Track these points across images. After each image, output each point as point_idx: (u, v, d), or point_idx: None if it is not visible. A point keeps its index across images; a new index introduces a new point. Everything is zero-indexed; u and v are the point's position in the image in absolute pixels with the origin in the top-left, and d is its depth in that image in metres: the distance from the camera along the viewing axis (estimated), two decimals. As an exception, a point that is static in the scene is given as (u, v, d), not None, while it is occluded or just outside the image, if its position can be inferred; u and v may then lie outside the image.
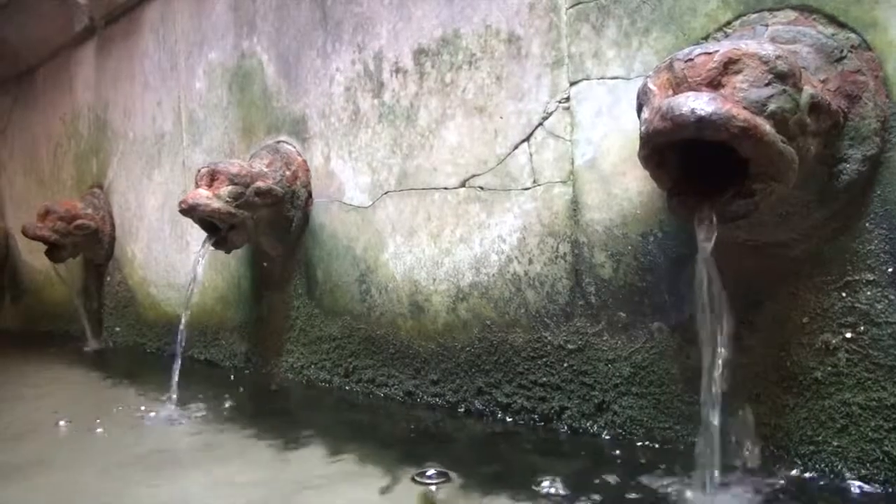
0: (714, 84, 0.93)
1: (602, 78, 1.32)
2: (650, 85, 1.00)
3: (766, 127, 0.89)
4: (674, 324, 1.24)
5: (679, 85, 0.95)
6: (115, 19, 2.86)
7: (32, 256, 3.56)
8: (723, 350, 1.01)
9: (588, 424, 1.37)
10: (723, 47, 0.94)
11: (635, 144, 1.24)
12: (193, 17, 2.42)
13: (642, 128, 0.97)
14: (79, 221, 2.85)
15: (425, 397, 1.68)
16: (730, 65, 0.92)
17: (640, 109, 1.04)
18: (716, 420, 1.00)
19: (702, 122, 0.86)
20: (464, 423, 1.54)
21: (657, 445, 1.26)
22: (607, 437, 1.34)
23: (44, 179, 3.52)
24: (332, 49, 1.89)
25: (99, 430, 1.68)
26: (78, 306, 3.07)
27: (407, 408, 1.68)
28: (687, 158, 1.01)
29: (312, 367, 2.00)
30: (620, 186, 1.30)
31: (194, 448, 1.51)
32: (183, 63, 2.48)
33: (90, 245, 2.94)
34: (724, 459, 1.03)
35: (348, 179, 1.87)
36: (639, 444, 1.29)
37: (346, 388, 1.88)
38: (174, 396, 1.80)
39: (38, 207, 2.88)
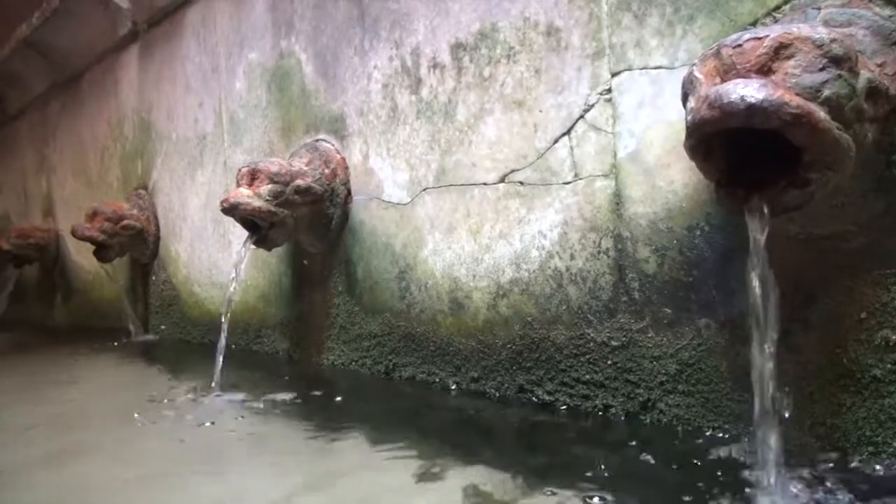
0: (764, 70, 0.89)
1: (644, 68, 1.29)
2: (696, 73, 0.97)
3: (821, 114, 0.85)
4: (722, 320, 1.20)
5: (727, 72, 0.92)
6: (157, 23, 2.91)
7: (81, 256, 3.66)
8: (774, 347, 0.97)
9: (634, 423, 1.34)
10: (773, 32, 0.90)
11: (680, 135, 1.21)
12: (233, 18, 2.44)
13: (688, 117, 0.94)
14: (125, 222, 2.91)
15: (466, 394, 1.67)
16: (781, 50, 0.89)
17: (685, 99, 1.00)
18: (768, 420, 0.97)
19: (752, 109, 0.83)
20: (505, 412, 1.52)
21: (706, 445, 1.23)
22: (653, 435, 1.30)
23: (92, 181, 3.61)
24: (370, 46, 1.89)
25: (145, 420, 1.71)
26: (125, 305, 3.13)
27: (447, 402, 1.67)
28: (735, 148, 0.98)
29: (353, 364, 2.00)
30: (665, 179, 1.27)
31: (236, 437, 1.53)
32: (223, 64, 2.51)
33: (136, 245, 3.00)
34: (776, 461, 0.99)
35: (387, 176, 1.86)
36: (687, 444, 1.25)
37: (387, 384, 1.88)
38: (217, 390, 1.83)
39: (87, 209, 2.95)
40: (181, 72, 2.77)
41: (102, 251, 2.91)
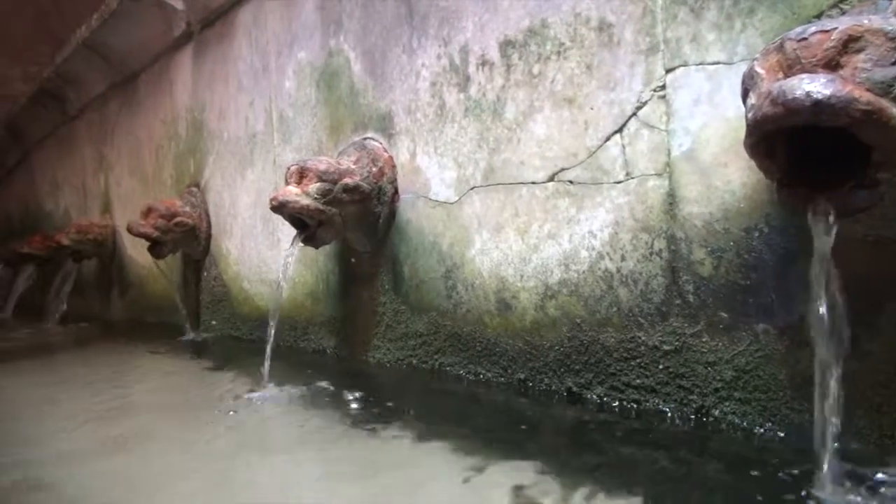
0: (831, 65, 0.85)
1: (701, 63, 1.25)
2: (758, 68, 0.93)
3: (893, 110, 0.81)
4: (782, 325, 1.15)
5: (791, 67, 0.88)
6: (210, 23, 2.96)
7: (136, 252, 3.75)
8: (839, 355, 0.93)
9: (687, 427, 1.30)
10: (841, 24, 0.85)
11: (738, 133, 1.17)
12: (283, 17, 2.46)
13: (749, 114, 0.90)
14: (178, 219, 2.97)
15: (512, 396, 1.65)
16: (850, 43, 0.84)
17: (745, 95, 0.96)
18: (831, 431, 0.92)
19: (818, 106, 0.79)
20: (552, 413, 1.50)
21: (762, 455, 1.18)
22: (707, 442, 1.26)
23: (147, 179, 3.70)
24: (418, 44, 1.88)
25: (198, 412, 1.75)
26: (177, 300, 3.20)
27: (494, 404, 1.65)
28: (798, 147, 0.93)
29: (399, 362, 2.00)
30: (721, 178, 1.22)
31: (284, 430, 1.55)
32: (274, 63, 2.54)
33: (188, 241, 3.06)
34: (836, 474, 0.94)
35: (434, 175, 1.85)
36: (743, 454, 1.21)
37: (433, 384, 1.87)
38: (267, 385, 1.85)
39: (142, 206, 3.02)
40: (233, 71, 2.81)
41: (156, 247, 2.98)
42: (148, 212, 2.95)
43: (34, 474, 1.35)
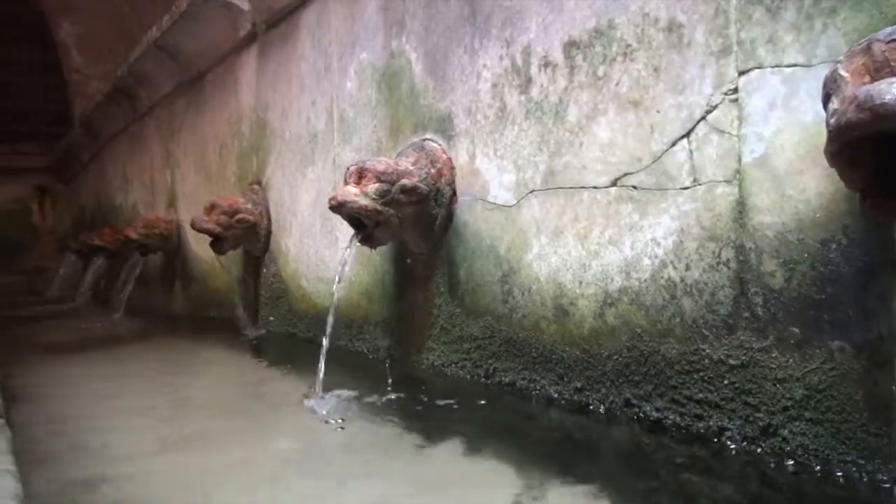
0: (925, 68, 0.79)
1: (777, 66, 1.19)
2: (841, 71, 0.87)
3: None
4: (859, 343, 1.09)
5: (879, 70, 0.82)
6: (274, 24, 3.01)
7: (199, 247, 3.85)
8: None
9: (751, 448, 1.24)
10: (937, 24, 0.80)
11: (815, 139, 1.11)
12: (347, 18, 2.48)
13: (831, 120, 0.85)
14: (239, 216, 3.03)
15: (568, 405, 1.62)
16: (947, 45, 0.78)
17: (826, 100, 0.91)
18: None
19: (910, 112, 0.73)
20: (609, 430, 1.46)
21: (836, 480, 1.12)
22: (772, 464, 1.20)
23: (211, 176, 3.79)
24: (480, 45, 1.86)
25: (254, 415, 1.77)
26: (237, 296, 3.27)
27: (548, 412, 1.62)
28: (883, 155, 0.88)
29: (453, 365, 1.99)
30: (796, 187, 1.16)
31: (336, 436, 1.55)
32: (336, 64, 2.56)
33: (249, 238, 3.11)
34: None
35: (493, 177, 1.83)
36: (814, 476, 1.15)
37: (487, 389, 1.85)
38: (321, 387, 1.85)
39: (205, 202, 3.09)
40: (296, 72, 2.85)
41: (218, 243, 3.04)
42: (211, 208, 3.01)
43: (98, 470, 1.39)
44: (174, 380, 2.33)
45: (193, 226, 3.00)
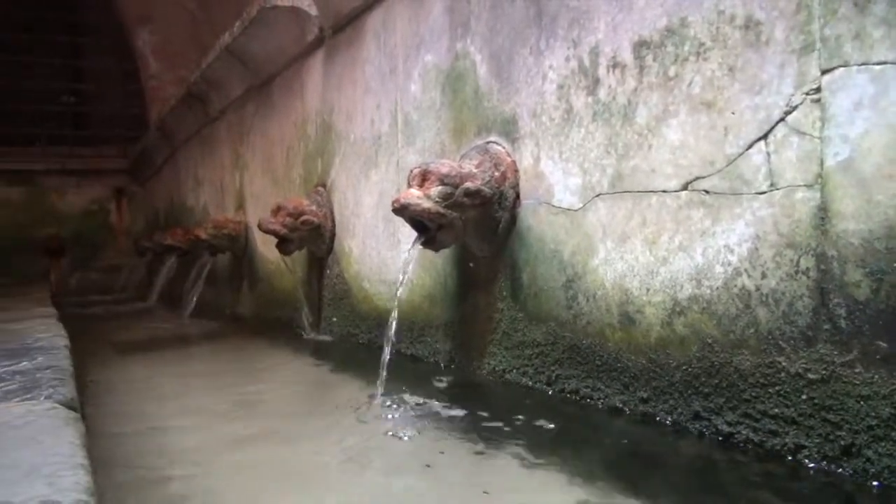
0: None
1: (865, 64, 1.12)
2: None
3: None
4: (954, 361, 1.02)
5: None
6: (340, 28, 3.05)
7: (266, 248, 3.93)
8: None
9: (831, 468, 1.18)
10: None
11: (909, 142, 1.04)
12: (412, 21, 2.49)
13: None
14: (304, 217, 3.07)
15: (634, 415, 1.57)
16: None
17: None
18: None
19: None
20: (676, 444, 1.41)
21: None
22: (854, 486, 1.13)
23: (278, 179, 3.87)
24: (546, 46, 1.83)
25: (316, 419, 1.78)
26: (301, 296, 3.32)
27: (613, 423, 1.58)
28: None
29: (514, 371, 1.96)
30: (886, 192, 1.09)
31: (395, 441, 1.54)
32: (400, 66, 2.57)
33: (314, 239, 3.16)
34: None
35: (558, 181, 1.80)
36: (899, 500, 1.08)
37: (549, 396, 1.82)
38: (382, 394, 1.85)
39: (272, 204, 3.15)
40: (361, 75, 2.87)
41: (284, 244, 3.09)
42: (277, 210, 3.07)
43: (166, 466, 1.42)
44: (240, 380, 2.38)
45: (260, 227, 3.06)
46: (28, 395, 1.41)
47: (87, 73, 8.57)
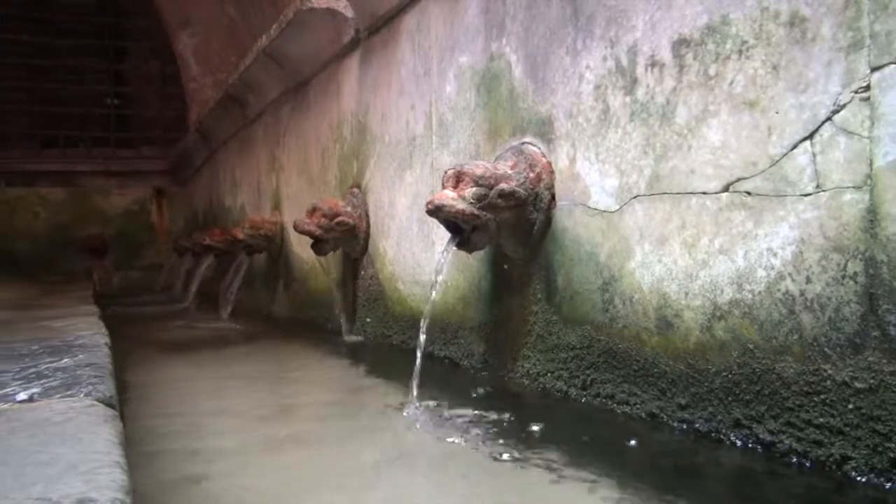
0: None
1: (917, 60, 1.08)
2: None
3: None
4: None
5: None
6: (376, 30, 3.05)
7: (301, 248, 3.96)
8: None
9: (879, 482, 1.13)
10: None
11: (965, 141, 1.00)
12: (446, 22, 2.48)
13: None
14: (339, 218, 3.09)
15: (671, 422, 1.53)
16: None
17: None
18: None
19: None
20: (715, 453, 1.37)
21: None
22: (905, 501, 1.09)
23: (313, 180, 3.90)
24: (582, 46, 1.81)
25: (350, 423, 1.79)
26: (335, 297, 3.34)
27: (649, 429, 1.55)
28: None
29: (548, 374, 1.94)
30: (939, 194, 1.05)
31: (426, 447, 1.54)
32: (435, 68, 2.56)
33: (348, 240, 3.17)
34: None
35: (594, 182, 1.77)
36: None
37: (583, 400, 1.79)
38: (415, 400, 1.83)
39: (307, 205, 3.18)
40: (396, 76, 2.88)
41: (319, 245, 3.11)
42: (313, 211, 3.09)
43: (201, 465, 1.43)
44: (275, 382, 2.40)
45: (295, 227, 3.08)
46: (69, 392, 1.43)
47: (129, 77, 8.78)
